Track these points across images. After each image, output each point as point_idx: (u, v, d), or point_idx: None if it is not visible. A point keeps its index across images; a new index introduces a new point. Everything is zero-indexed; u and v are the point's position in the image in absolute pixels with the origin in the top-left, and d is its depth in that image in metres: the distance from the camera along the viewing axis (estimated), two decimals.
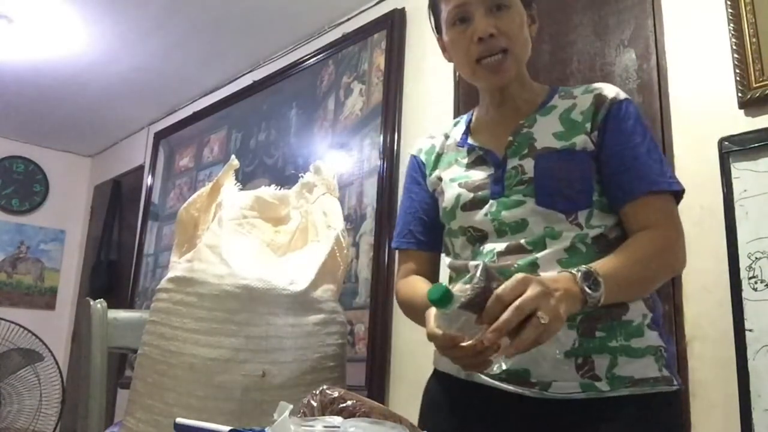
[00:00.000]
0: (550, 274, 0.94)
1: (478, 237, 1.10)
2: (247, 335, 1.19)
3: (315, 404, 0.78)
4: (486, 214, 1.08)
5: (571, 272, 0.92)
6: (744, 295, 1.60)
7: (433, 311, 0.89)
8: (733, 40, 1.73)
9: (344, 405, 0.77)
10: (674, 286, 1.74)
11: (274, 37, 3.38)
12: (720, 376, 1.62)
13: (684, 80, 1.85)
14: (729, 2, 1.75)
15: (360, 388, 2.41)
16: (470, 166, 1.15)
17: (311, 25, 3.22)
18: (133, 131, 4.79)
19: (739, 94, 1.69)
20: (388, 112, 2.70)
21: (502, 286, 0.84)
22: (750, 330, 1.57)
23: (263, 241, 1.36)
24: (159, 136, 4.41)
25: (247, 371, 1.17)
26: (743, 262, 1.61)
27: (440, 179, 1.19)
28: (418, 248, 1.23)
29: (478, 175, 1.13)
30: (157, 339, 1.24)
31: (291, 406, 0.67)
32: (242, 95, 3.70)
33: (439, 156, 1.23)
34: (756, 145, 1.63)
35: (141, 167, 4.56)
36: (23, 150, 5.10)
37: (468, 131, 1.22)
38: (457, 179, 1.15)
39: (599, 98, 1.11)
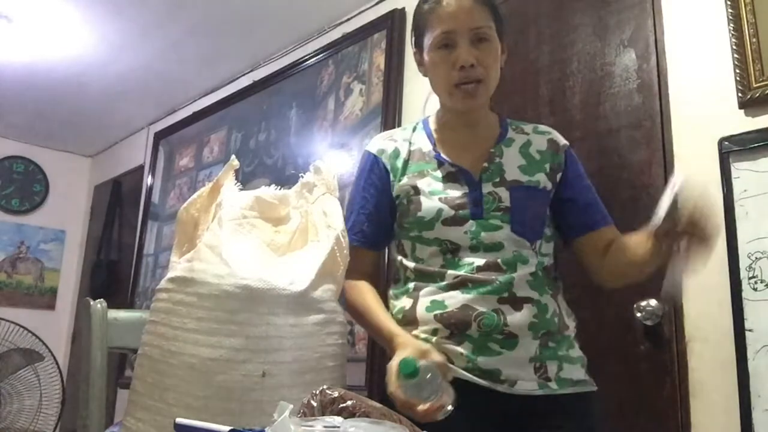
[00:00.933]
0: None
1: (451, 249, 1.22)
2: (247, 335, 1.19)
3: (315, 404, 0.78)
4: (465, 232, 1.21)
5: None
6: (744, 295, 1.60)
7: (396, 366, 1.06)
8: (733, 40, 1.73)
9: (344, 405, 0.77)
10: None
11: (274, 37, 3.38)
12: (720, 376, 1.62)
13: (684, 80, 1.85)
14: (729, 2, 1.75)
15: (360, 388, 2.41)
16: (445, 180, 1.26)
17: (311, 25, 3.22)
18: (133, 131, 4.79)
19: (739, 94, 1.69)
20: (388, 112, 2.70)
21: None
22: (750, 330, 1.57)
23: (263, 241, 1.36)
24: (159, 136, 4.41)
25: (247, 371, 1.17)
26: (743, 262, 1.61)
27: (414, 188, 1.27)
28: (366, 248, 1.34)
29: (455, 192, 1.24)
30: (157, 339, 1.24)
31: (291, 406, 0.67)
32: (242, 95, 3.70)
33: (405, 162, 1.31)
34: (756, 145, 1.64)
35: (141, 167, 4.56)
36: (23, 150, 5.09)
37: (434, 144, 1.32)
38: (436, 193, 1.25)
39: (553, 144, 1.32)
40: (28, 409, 3.83)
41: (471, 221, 1.21)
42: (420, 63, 1.33)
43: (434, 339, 1.17)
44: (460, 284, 1.18)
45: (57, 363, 3.96)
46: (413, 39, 1.35)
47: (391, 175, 1.31)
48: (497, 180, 1.24)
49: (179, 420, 0.76)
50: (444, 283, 1.20)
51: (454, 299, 1.17)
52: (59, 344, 4.74)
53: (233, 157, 1.55)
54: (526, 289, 1.18)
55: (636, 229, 1.85)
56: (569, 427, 1.17)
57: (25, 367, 3.80)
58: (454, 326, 1.16)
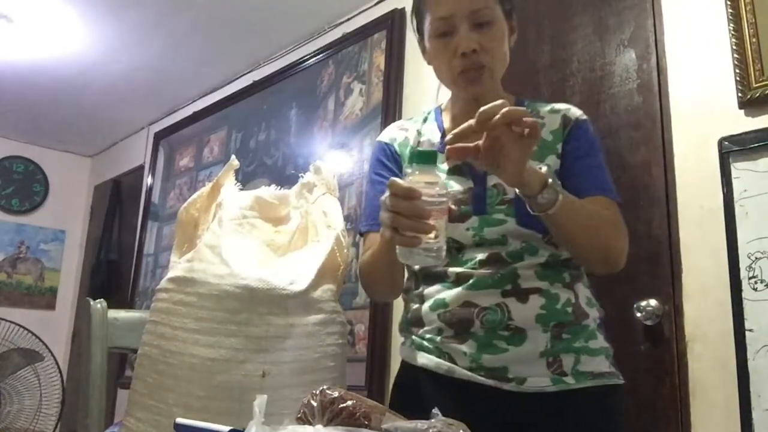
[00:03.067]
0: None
1: (456, 247, 1.16)
2: (247, 335, 1.19)
3: (315, 404, 0.77)
4: (468, 229, 1.14)
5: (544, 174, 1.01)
6: (744, 295, 1.60)
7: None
8: (733, 40, 1.73)
9: (344, 405, 0.77)
10: (674, 286, 1.74)
11: (274, 37, 3.38)
12: (720, 376, 1.62)
13: (684, 80, 1.85)
14: (729, 2, 1.75)
15: (360, 388, 2.41)
16: (450, 174, 1.20)
17: (311, 25, 3.22)
18: (133, 131, 4.79)
19: (739, 94, 1.69)
20: (388, 112, 2.70)
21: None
22: (750, 330, 1.57)
23: (263, 241, 1.36)
24: (159, 136, 4.42)
25: (247, 371, 1.17)
26: (743, 262, 1.61)
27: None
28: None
29: (458, 186, 1.18)
30: (157, 339, 1.24)
31: (265, 397, 0.68)
32: (242, 95, 3.70)
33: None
34: (756, 145, 1.64)
35: (141, 167, 4.56)
36: (23, 150, 5.10)
37: (443, 134, 1.26)
38: None
39: (566, 119, 1.21)
40: (28, 409, 3.83)
41: (474, 217, 1.15)
42: (423, 50, 1.26)
43: (439, 339, 1.14)
44: (462, 280, 1.13)
45: (57, 363, 3.96)
46: (414, 24, 1.27)
47: (404, 163, 1.26)
48: None
49: (179, 420, 0.76)
50: (448, 281, 1.15)
51: (456, 296, 1.13)
52: (59, 344, 4.74)
53: (233, 157, 1.56)
54: (533, 279, 1.11)
55: (636, 229, 1.86)
56: (587, 423, 1.09)
57: (25, 367, 3.81)
58: (458, 325, 1.12)
